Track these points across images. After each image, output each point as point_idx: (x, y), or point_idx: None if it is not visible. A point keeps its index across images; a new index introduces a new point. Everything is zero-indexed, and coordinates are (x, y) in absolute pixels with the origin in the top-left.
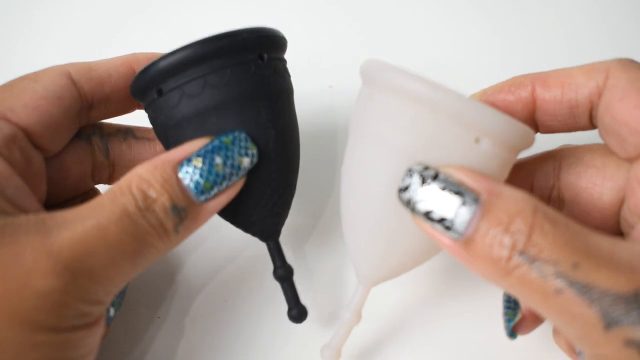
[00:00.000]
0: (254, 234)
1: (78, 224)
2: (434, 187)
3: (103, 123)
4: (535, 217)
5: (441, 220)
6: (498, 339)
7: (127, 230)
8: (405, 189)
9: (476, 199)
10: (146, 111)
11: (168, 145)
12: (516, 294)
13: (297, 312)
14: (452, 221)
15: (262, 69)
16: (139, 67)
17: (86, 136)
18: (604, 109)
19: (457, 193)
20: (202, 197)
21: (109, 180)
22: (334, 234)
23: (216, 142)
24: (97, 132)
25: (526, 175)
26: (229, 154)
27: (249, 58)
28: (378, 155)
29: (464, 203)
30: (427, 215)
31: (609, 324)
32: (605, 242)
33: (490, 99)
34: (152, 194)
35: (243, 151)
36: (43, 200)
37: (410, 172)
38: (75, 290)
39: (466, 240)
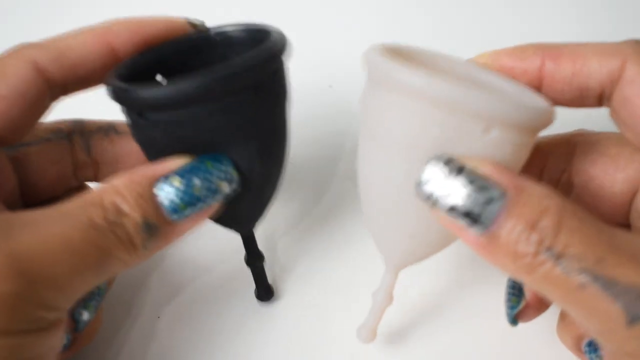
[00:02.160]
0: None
1: (42, 228)
2: (459, 181)
3: (84, 121)
4: (562, 214)
5: (465, 215)
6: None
7: (92, 241)
8: (425, 182)
9: (502, 195)
10: (123, 113)
11: (146, 152)
12: (538, 288)
13: (264, 291)
14: (477, 216)
15: (256, 105)
16: (117, 43)
17: (66, 135)
18: (620, 102)
19: (483, 188)
20: (176, 217)
21: (95, 178)
22: (334, 233)
23: (197, 163)
24: (77, 131)
25: (540, 156)
26: (209, 176)
27: (243, 96)
28: (385, 152)
29: (490, 198)
30: (451, 210)
31: (633, 319)
32: (630, 238)
33: (497, 64)
34: (125, 208)
35: (223, 175)
36: (14, 198)
37: (432, 165)
38: (30, 295)
39: (491, 236)
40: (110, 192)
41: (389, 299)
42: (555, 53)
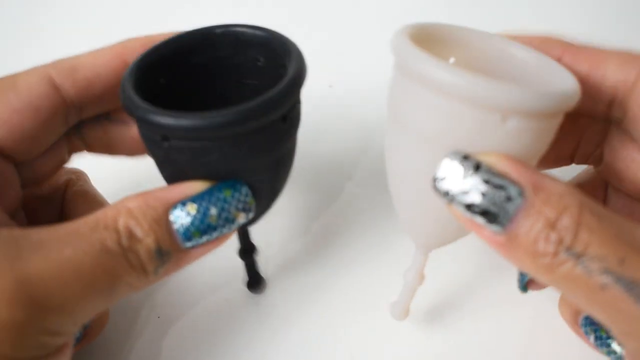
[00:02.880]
0: None
1: (52, 252)
2: (476, 179)
3: None
4: (581, 213)
5: (483, 214)
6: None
7: (103, 266)
8: (442, 179)
9: (521, 193)
10: (137, 126)
11: (163, 171)
12: (559, 288)
13: (255, 282)
14: (495, 215)
15: (280, 133)
16: (132, 59)
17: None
18: (639, 114)
19: (501, 186)
20: (189, 244)
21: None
22: (333, 232)
23: (215, 191)
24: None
25: (578, 129)
26: (226, 206)
27: (271, 128)
28: (406, 138)
29: (508, 197)
30: (468, 207)
31: None
32: None
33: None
34: (139, 233)
35: (241, 206)
36: (16, 205)
37: (448, 162)
38: (38, 322)
39: (509, 235)
40: (125, 215)
41: (421, 278)
42: (574, 50)
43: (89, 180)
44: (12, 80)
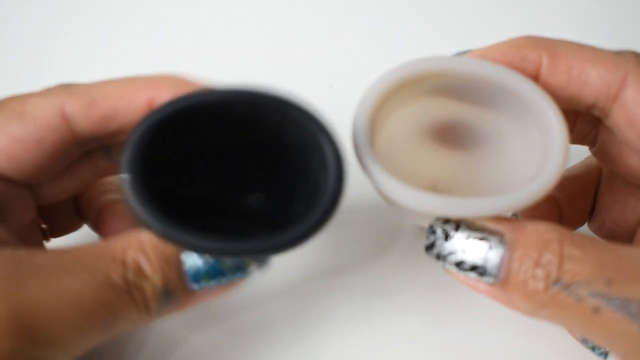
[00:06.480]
0: None
1: (53, 279)
2: (458, 239)
3: None
4: (562, 245)
5: (473, 269)
6: None
7: (105, 301)
8: (430, 246)
9: (501, 241)
10: None
11: None
12: (558, 322)
13: None
14: (483, 267)
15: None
16: (159, 100)
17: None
18: (626, 123)
19: (482, 239)
20: (196, 286)
21: None
22: (340, 235)
23: None
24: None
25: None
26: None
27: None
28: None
29: (490, 247)
30: (458, 266)
31: None
32: (636, 253)
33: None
34: (147, 269)
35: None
36: (26, 224)
37: (432, 229)
38: (29, 353)
39: (501, 282)
40: (135, 248)
41: None
42: (552, 55)
43: None
44: (22, 103)
